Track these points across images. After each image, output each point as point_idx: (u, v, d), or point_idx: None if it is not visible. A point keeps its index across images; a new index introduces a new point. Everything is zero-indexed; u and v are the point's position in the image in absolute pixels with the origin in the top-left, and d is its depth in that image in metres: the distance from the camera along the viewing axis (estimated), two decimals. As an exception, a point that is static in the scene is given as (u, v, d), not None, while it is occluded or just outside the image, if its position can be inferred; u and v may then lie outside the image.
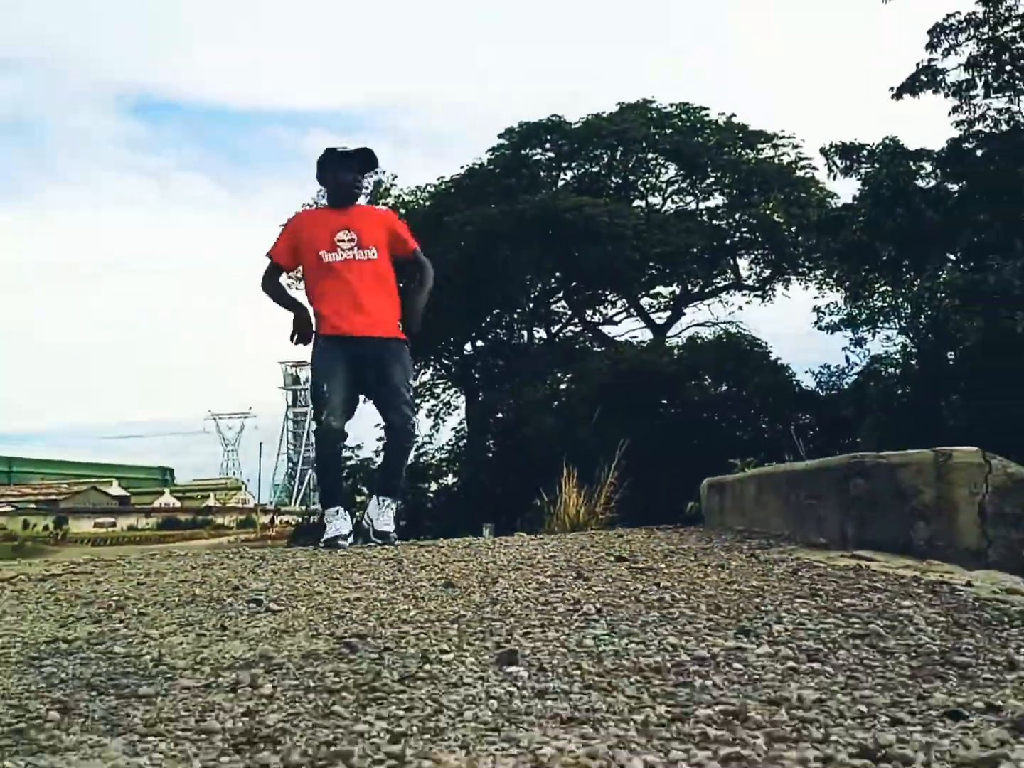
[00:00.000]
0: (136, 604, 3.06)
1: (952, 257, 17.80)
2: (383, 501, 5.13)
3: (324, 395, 4.96)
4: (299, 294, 5.63)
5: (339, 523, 5.03)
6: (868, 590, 2.65)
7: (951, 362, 16.47)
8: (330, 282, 5.03)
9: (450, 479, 26.06)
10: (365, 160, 5.20)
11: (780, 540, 4.36)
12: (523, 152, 24.73)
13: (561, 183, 25.01)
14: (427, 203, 24.69)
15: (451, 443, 26.27)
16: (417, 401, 27.52)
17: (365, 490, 25.28)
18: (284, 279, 5.53)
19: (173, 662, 2.11)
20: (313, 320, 5.17)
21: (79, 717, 1.69)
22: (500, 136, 24.80)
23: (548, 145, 24.70)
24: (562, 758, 1.31)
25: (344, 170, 5.14)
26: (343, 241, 5.02)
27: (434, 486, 26.01)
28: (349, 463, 26.34)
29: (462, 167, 25.08)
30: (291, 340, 5.12)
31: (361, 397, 5.38)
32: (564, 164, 25.13)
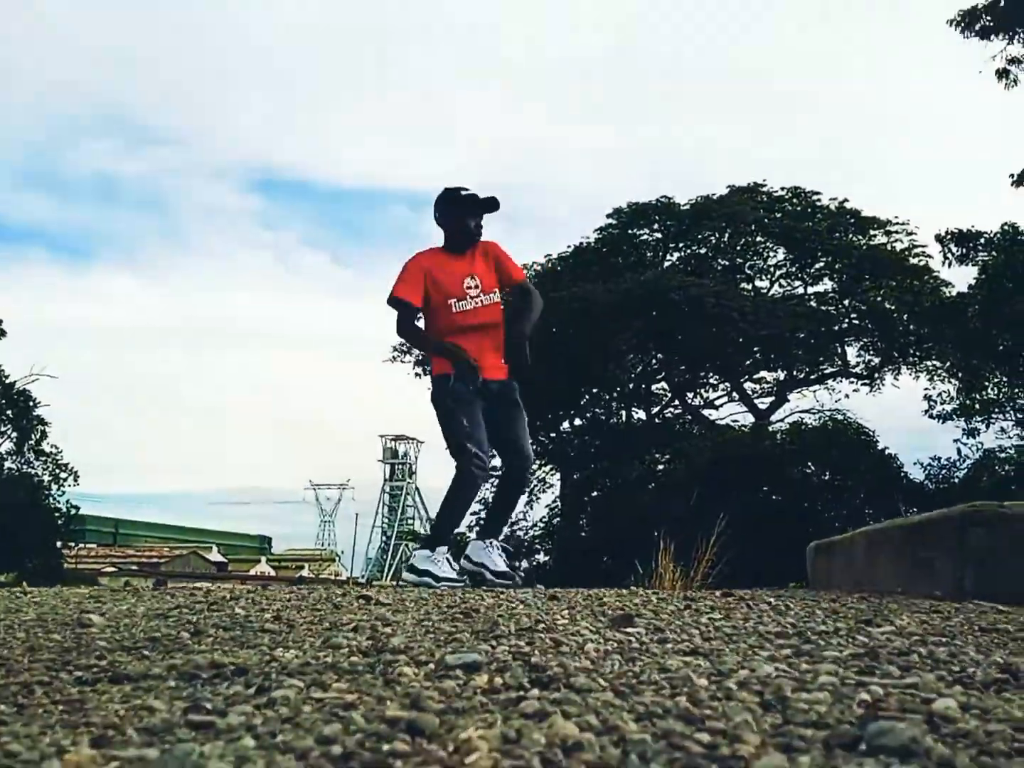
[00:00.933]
0: (248, 598, 3.14)
1: (1073, 349, 17.21)
2: (490, 543, 4.94)
3: (465, 428, 4.78)
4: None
5: (446, 565, 4.93)
6: (989, 611, 2.56)
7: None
8: (448, 322, 4.94)
9: (542, 557, 25.80)
10: (490, 206, 5.13)
11: (892, 594, 4.23)
12: (630, 232, 24.86)
13: (667, 263, 25.05)
14: (532, 280, 25.03)
15: (545, 521, 26.06)
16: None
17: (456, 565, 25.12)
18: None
19: (292, 618, 2.15)
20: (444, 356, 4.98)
21: (208, 638, 1.75)
22: (608, 216, 24.99)
23: (656, 225, 24.82)
24: (688, 670, 1.30)
25: (473, 216, 5.03)
26: (471, 288, 4.97)
27: (525, 564, 25.79)
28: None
29: (568, 246, 25.38)
30: (469, 376, 4.88)
31: None
32: (671, 245, 25.17)
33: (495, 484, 5.61)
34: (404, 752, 0.82)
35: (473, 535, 5.57)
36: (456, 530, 5.24)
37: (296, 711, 0.99)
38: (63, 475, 32.94)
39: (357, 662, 1.37)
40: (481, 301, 5.01)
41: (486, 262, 5.12)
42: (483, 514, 5.42)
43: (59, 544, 33.76)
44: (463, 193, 5.09)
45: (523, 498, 5.61)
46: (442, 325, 5.01)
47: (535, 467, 27.05)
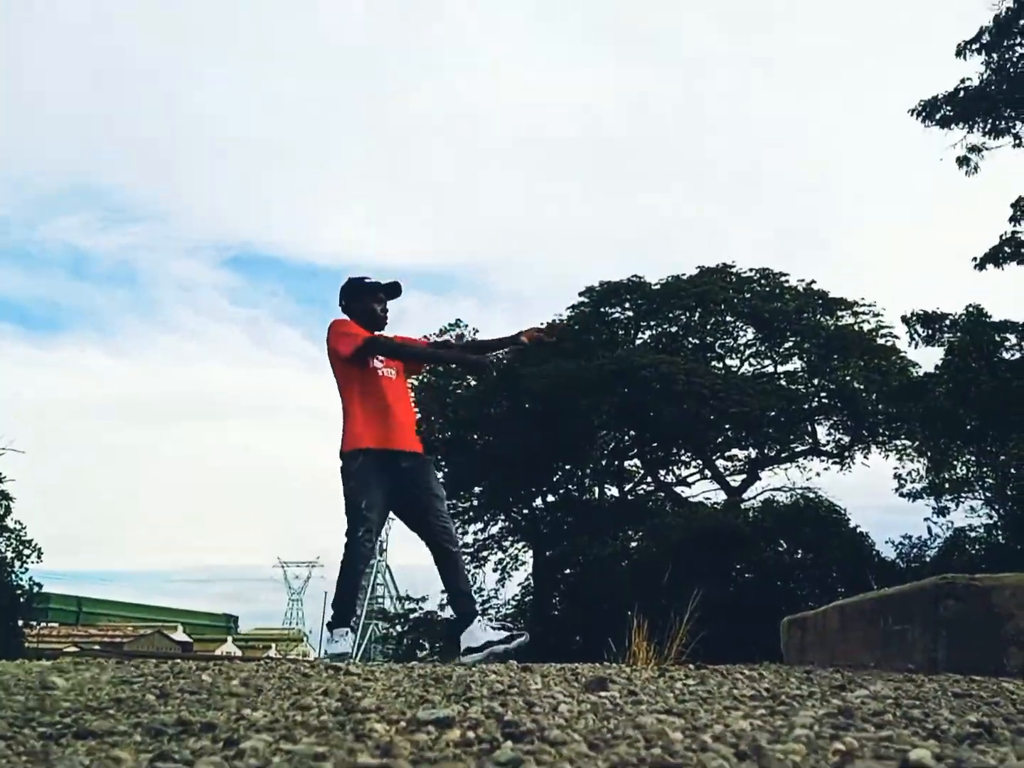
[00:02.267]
0: (215, 668, 3.07)
1: (1039, 428, 17.41)
2: (480, 621, 4.88)
3: (362, 512, 4.82)
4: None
5: (347, 642, 4.93)
6: (962, 680, 2.55)
7: (1040, 535, 15.90)
8: (373, 389, 5.01)
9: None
10: (393, 291, 5.30)
11: (866, 669, 4.20)
12: (602, 310, 25.13)
13: (639, 341, 25.30)
14: (506, 357, 25.06)
15: (516, 598, 25.80)
16: (484, 553, 27.32)
17: (426, 644, 24.88)
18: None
19: (260, 685, 2.11)
20: (360, 426, 4.99)
21: (174, 700, 1.71)
22: (581, 294, 25.32)
23: (627, 304, 25.11)
24: (663, 726, 1.29)
25: (379, 301, 5.22)
26: (377, 359, 5.07)
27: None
28: (412, 615, 26.06)
29: (541, 323, 25.55)
30: (486, 372, 5.09)
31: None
32: (642, 323, 25.43)
33: (439, 565, 5.49)
34: (376, 795, 0.81)
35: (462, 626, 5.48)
36: (352, 610, 5.16)
37: (265, 762, 0.98)
38: (26, 552, 32.29)
39: (327, 720, 1.34)
40: (384, 372, 5.10)
41: None
42: (449, 604, 5.35)
43: (20, 623, 32.93)
44: (367, 282, 5.28)
45: (471, 568, 5.52)
46: (358, 382, 5.03)
47: (507, 542, 26.87)
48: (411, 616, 26.25)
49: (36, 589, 33.36)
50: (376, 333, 5.17)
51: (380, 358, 5.06)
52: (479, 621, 4.94)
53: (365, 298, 5.21)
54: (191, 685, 2.08)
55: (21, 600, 32.04)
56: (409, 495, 5.02)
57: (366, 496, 4.85)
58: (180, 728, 1.25)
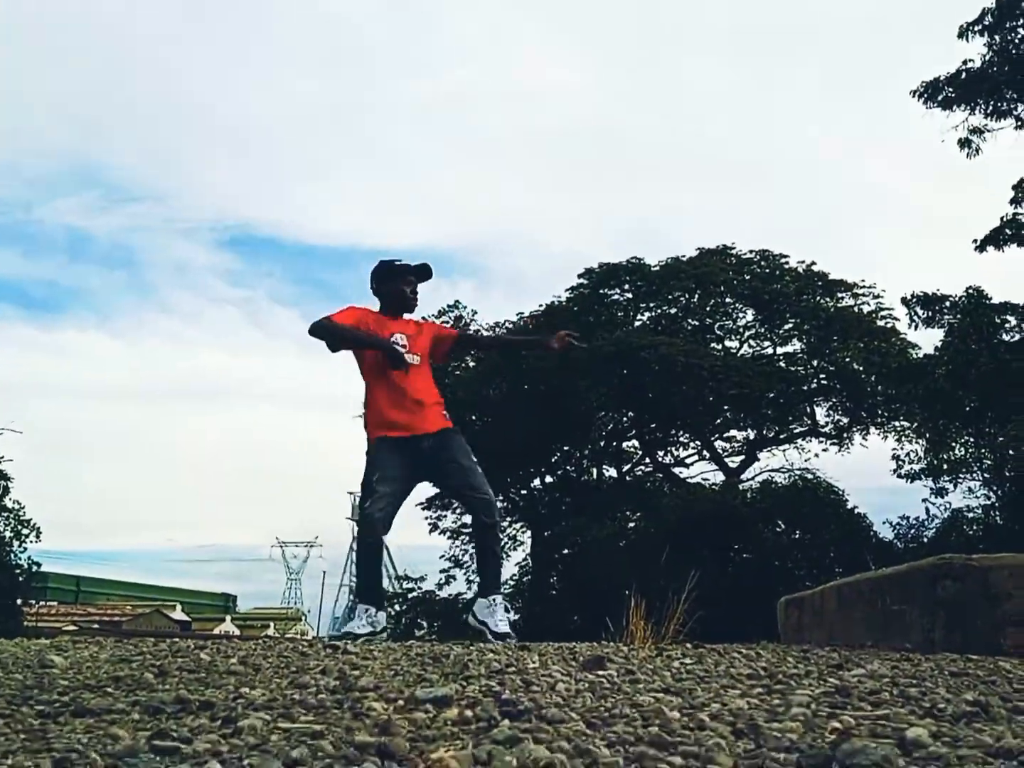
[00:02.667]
0: (214, 647, 3.08)
1: (1039, 409, 17.39)
2: (493, 600, 4.86)
3: (372, 485, 4.87)
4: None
5: (364, 623, 4.90)
6: (959, 659, 2.56)
7: (1037, 515, 15.91)
8: (388, 377, 5.03)
9: (512, 615, 25.50)
10: (424, 273, 5.36)
11: (864, 649, 4.21)
12: (601, 292, 25.06)
13: (638, 323, 25.24)
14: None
15: (515, 579, 25.84)
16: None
17: (424, 623, 25.01)
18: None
19: (258, 663, 2.12)
20: (378, 416, 5.05)
21: (172, 678, 1.72)
22: (580, 276, 25.25)
23: (627, 286, 25.04)
24: (660, 705, 1.29)
25: (408, 283, 5.29)
26: (396, 344, 5.07)
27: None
28: (411, 595, 26.11)
29: (540, 305, 25.54)
30: (398, 366, 5.02)
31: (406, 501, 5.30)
32: (642, 305, 25.35)
33: (473, 538, 5.55)
34: (374, 773, 0.81)
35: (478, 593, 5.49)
36: (373, 586, 5.16)
37: (263, 739, 0.98)
38: (25, 531, 32.35)
39: (325, 699, 1.35)
40: (413, 359, 5.10)
41: (418, 328, 5.31)
42: (476, 573, 5.35)
43: (19, 602, 33.03)
44: (397, 264, 5.33)
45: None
46: (371, 369, 5.07)
47: (504, 522, 26.93)
48: (409, 596, 26.29)
49: (35, 568, 33.43)
50: (405, 316, 5.24)
51: (403, 344, 5.07)
52: (497, 602, 4.92)
53: (395, 280, 5.27)
54: (189, 664, 2.08)
55: (20, 579, 32.13)
56: (435, 470, 5.04)
57: (379, 470, 4.87)
58: (178, 706, 1.25)
